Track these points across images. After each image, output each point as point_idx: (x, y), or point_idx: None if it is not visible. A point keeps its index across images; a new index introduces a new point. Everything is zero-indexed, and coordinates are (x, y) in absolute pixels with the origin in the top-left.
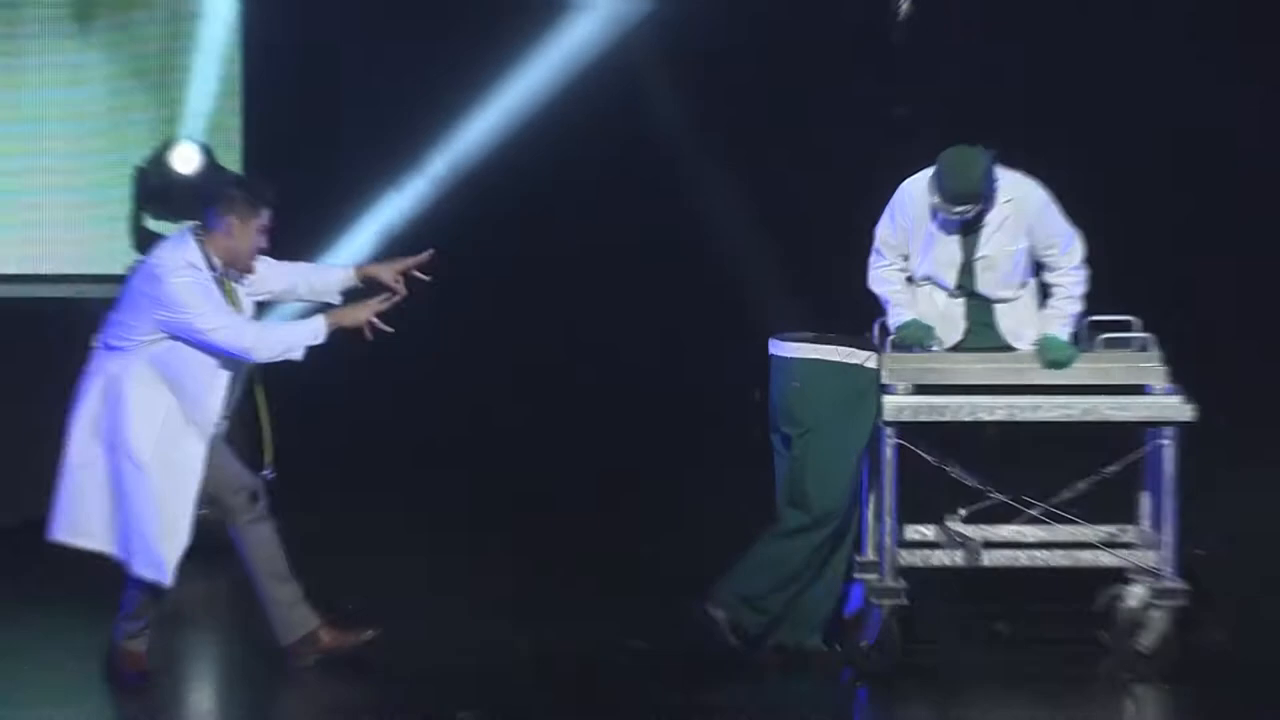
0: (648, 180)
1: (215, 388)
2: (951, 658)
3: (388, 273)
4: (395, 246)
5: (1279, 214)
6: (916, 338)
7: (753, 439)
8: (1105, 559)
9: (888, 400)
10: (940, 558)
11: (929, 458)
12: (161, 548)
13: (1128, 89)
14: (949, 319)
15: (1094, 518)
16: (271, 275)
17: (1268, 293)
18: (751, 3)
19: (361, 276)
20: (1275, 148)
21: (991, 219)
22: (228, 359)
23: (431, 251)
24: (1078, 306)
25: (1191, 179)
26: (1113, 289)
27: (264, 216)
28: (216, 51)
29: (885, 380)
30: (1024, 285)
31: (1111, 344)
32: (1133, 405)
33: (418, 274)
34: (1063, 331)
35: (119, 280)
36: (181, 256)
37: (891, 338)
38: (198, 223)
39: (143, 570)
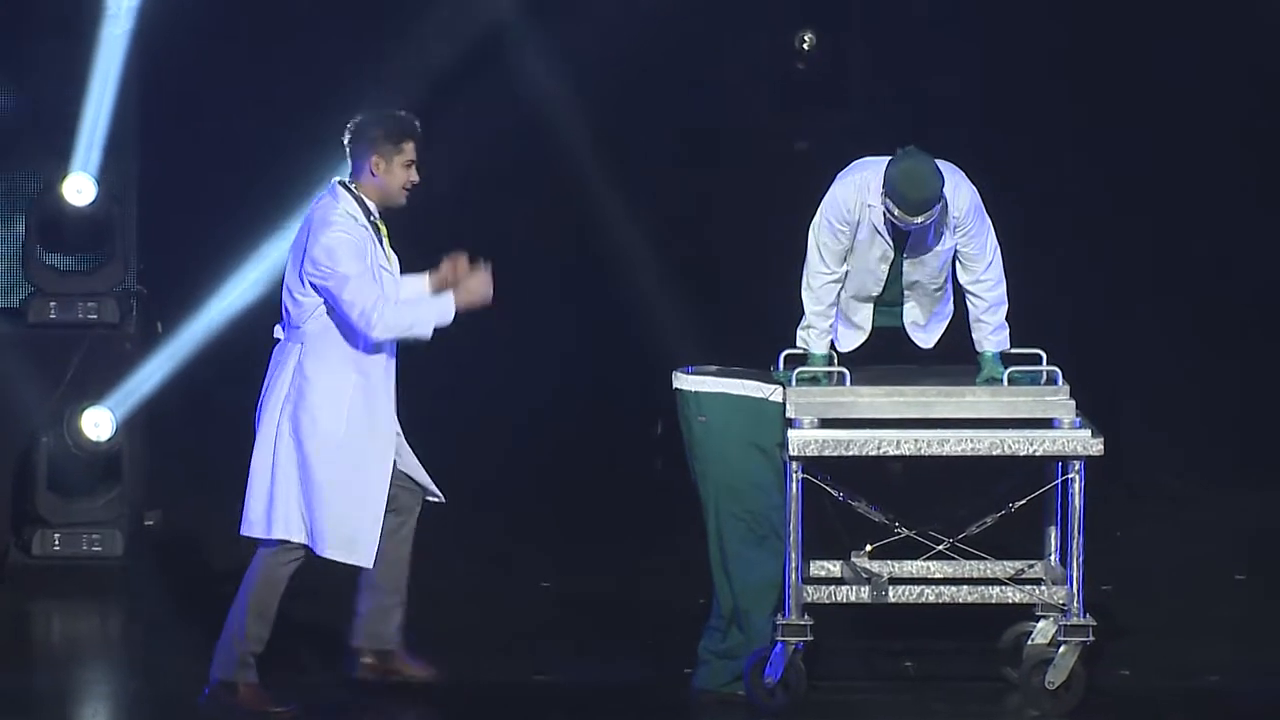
0: (548, 211)
1: (391, 367)
2: (857, 695)
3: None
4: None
5: (1185, 244)
6: (815, 377)
7: (655, 471)
8: (1012, 595)
9: (793, 434)
10: (846, 594)
11: (835, 492)
12: (359, 530)
13: (1030, 118)
14: (857, 325)
15: (1001, 553)
16: None
17: (1172, 323)
18: (653, 37)
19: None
20: (1174, 174)
21: None
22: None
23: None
24: (1002, 316)
25: (1094, 209)
26: (1019, 322)
27: (408, 150)
28: (111, 76)
29: (790, 414)
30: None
31: (1018, 377)
32: (1040, 439)
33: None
34: (1000, 346)
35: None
36: (339, 207)
37: (797, 372)
38: (344, 177)
39: (337, 553)
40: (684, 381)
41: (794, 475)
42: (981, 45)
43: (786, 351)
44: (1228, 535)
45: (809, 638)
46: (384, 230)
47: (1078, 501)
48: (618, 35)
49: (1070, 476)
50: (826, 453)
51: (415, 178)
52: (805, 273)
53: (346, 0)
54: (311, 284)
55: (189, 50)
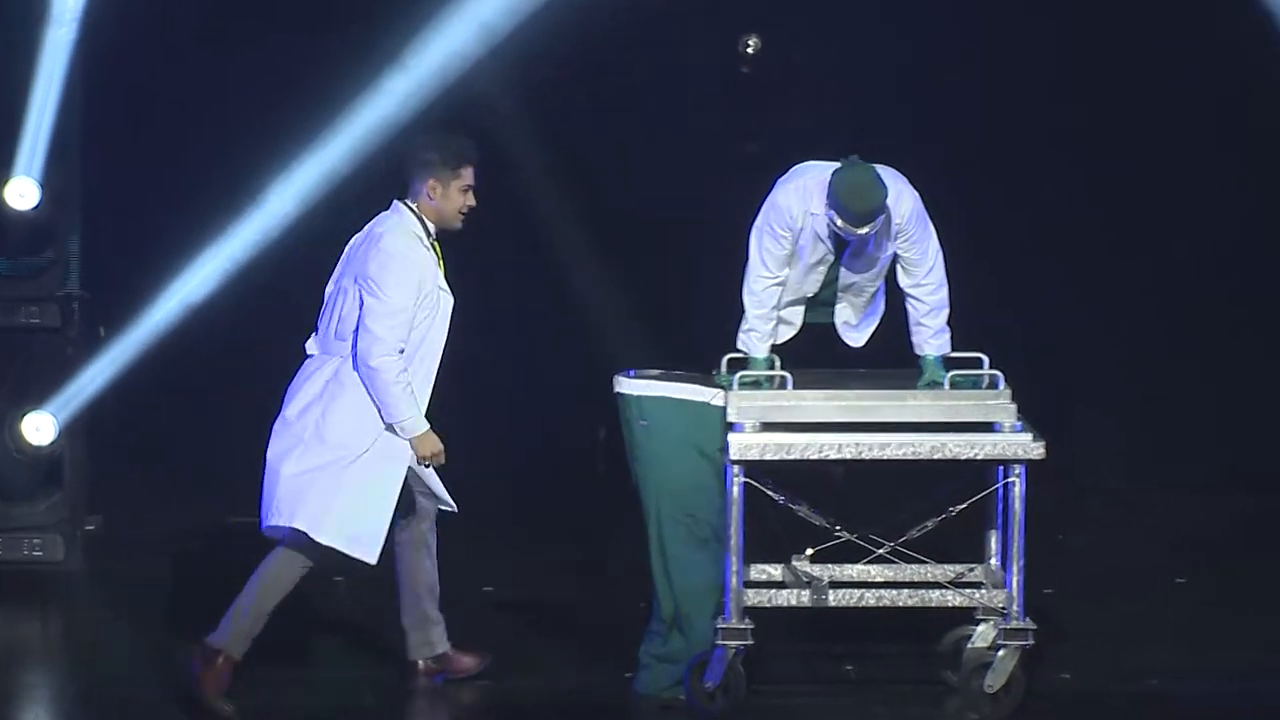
0: (490, 214)
1: (426, 389)
2: (798, 699)
3: None
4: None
5: (1140, 248)
6: (756, 381)
7: (596, 475)
8: (952, 599)
9: (734, 439)
10: (786, 597)
11: (776, 496)
12: (372, 527)
13: (971, 122)
14: (788, 321)
15: (942, 557)
16: None
17: (1109, 327)
18: (597, 39)
19: None
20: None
21: None
22: (433, 361)
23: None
24: (944, 320)
25: (1045, 215)
26: (971, 325)
27: (465, 175)
28: (55, 80)
29: (732, 418)
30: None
31: (960, 381)
32: (981, 443)
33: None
34: (941, 350)
35: None
36: (408, 228)
37: (738, 375)
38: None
39: (350, 548)
40: (626, 385)
41: (735, 479)
42: (929, 49)
43: (728, 355)
44: (1168, 539)
45: (749, 641)
46: (439, 252)
47: (1018, 505)
48: (563, 38)
49: (1011, 480)
50: (768, 456)
51: (472, 202)
52: (746, 276)
53: (293, 2)
54: (360, 295)
55: (133, 54)
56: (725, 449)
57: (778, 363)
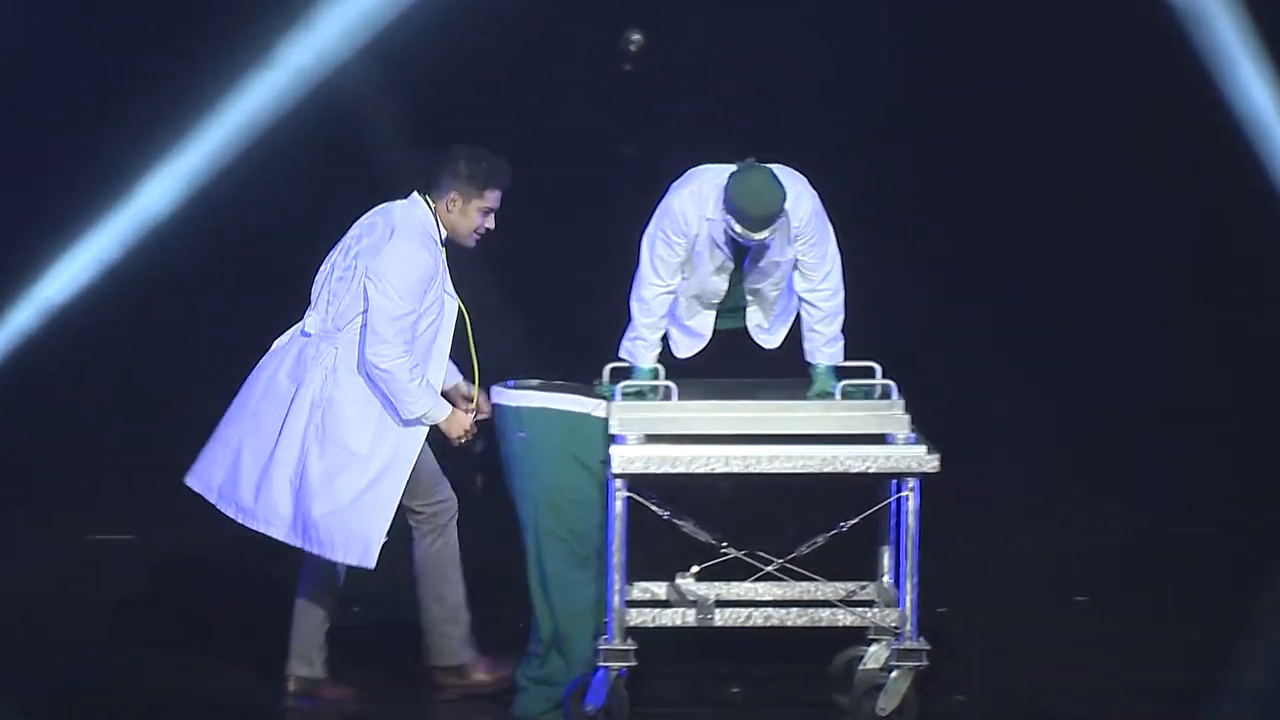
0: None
1: (438, 378)
2: None
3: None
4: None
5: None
6: (640, 391)
7: (474, 489)
8: (843, 618)
9: (616, 451)
10: (671, 617)
11: (660, 511)
12: (368, 532)
13: (862, 120)
14: (697, 331)
15: (832, 574)
16: None
17: (1007, 335)
18: (472, 35)
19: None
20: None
21: None
22: (440, 367)
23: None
24: (839, 328)
25: (929, 218)
26: (864, 333)
27: (489, 198)
28: None
29: (614, 430)
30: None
31: (851, 391)
32: (874, 456)
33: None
34: (834, 360)
35: None
36: (423, 227)
37: (622, 386)
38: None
39: (346, 556)
40: (504, 396)
41: (617, 493)
42: (821, 46)
43: (611, 364)
44: (1067, 556)
45: (632, 663)
46: (444, 254)
47: (911, 520)
48: (436, 34)
49: (904, 494)
50: (652, 470)
51: (490, 225)
52: (636, 283)
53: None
54: (364, 285)
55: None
56: (607, 462)
57: (662, 372)
